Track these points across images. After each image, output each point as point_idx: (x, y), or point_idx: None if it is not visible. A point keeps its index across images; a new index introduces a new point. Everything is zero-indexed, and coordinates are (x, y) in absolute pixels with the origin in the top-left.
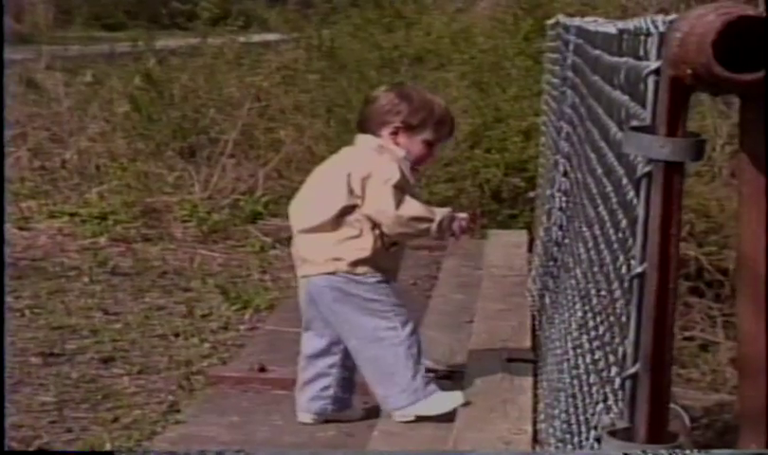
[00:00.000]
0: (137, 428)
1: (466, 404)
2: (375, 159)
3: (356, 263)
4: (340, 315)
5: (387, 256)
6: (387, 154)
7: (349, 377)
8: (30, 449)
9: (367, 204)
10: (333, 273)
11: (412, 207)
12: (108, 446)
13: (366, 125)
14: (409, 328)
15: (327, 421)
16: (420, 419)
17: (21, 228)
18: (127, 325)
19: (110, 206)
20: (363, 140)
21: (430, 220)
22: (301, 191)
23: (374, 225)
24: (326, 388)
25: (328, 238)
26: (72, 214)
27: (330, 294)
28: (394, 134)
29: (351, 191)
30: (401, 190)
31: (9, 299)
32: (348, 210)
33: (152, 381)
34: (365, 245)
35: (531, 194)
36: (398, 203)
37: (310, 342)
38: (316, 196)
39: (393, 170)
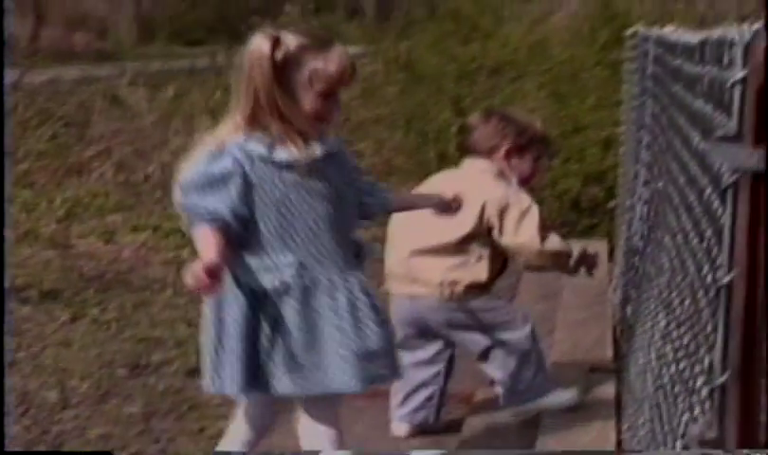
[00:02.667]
0: (222, 438)
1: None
2: (506, 188)
3: (470, 287)
4: (459, 335)
5: (500, 278)
6: (505, 179)
7: (446, 388)
8: (31, 449)
9: (509, 236)
10: (449, 297)
11: (555, 242)
12: None
13: (474, 149)
14: (530, 325)
15: (416, 434)
16: (504, 430)
17: (106, 242)
18: None
19: None
20: (478, 165)
21: (570, 255)
22: None
23: (497, 252)
24: (430, 397)
25: (446, 261)
26: (155, 228)
27: (445, 315)
28: (507, 157)
29: (482, 220)
30: (541, 221)
31: (95, 311)
32: (472, 237)
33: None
34: (483, 272)
35: (611, 204)
36: (543, 237)
37: (412, 354)
38: (434, 218)
39: (529, 200)
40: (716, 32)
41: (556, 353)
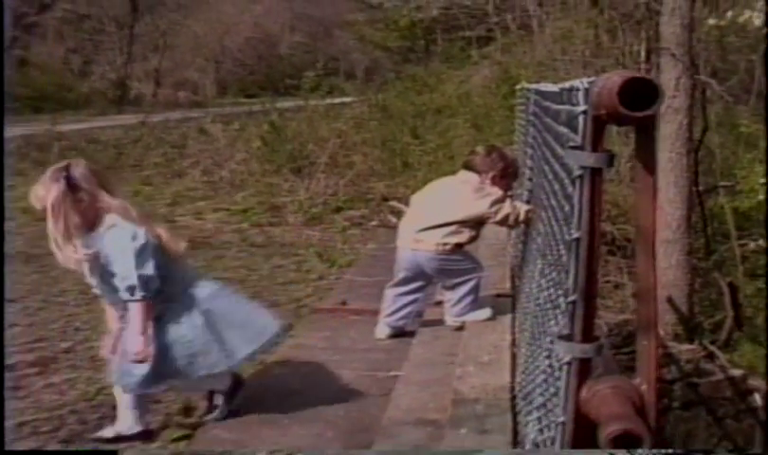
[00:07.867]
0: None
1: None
2: (483, 198)
3: (455, 247)
4: (441, 275)
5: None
6: (481, 191)
7: (418, 309)
8: (32, 449)
9: (499, 218)
10: (441, 252)
11: (523, 209)
12: None
13: (471, 167)
14: (483, 269)
15: (392, 337)
16: (442, 331)
17: (197, 219)
18: (262, 277)
19: (249, 204)
20: (466, 177)
21: (530, 211)
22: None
23: (474, 229)
24: (409, 314)
25: (443, 231)
26: (227, 209)
27: (436, 264)
28: (492, 180)
29: (476, 216)
30: (512, 205)
31: (189, 261)
32: (462, 222)
33: (277, 311)
34: (463, 238)
35: (509, 192)
36: (517, 213)
37: (405, 286)
38: (437, 210)
39: (503, 196)
40: (568, 84)
41: None
